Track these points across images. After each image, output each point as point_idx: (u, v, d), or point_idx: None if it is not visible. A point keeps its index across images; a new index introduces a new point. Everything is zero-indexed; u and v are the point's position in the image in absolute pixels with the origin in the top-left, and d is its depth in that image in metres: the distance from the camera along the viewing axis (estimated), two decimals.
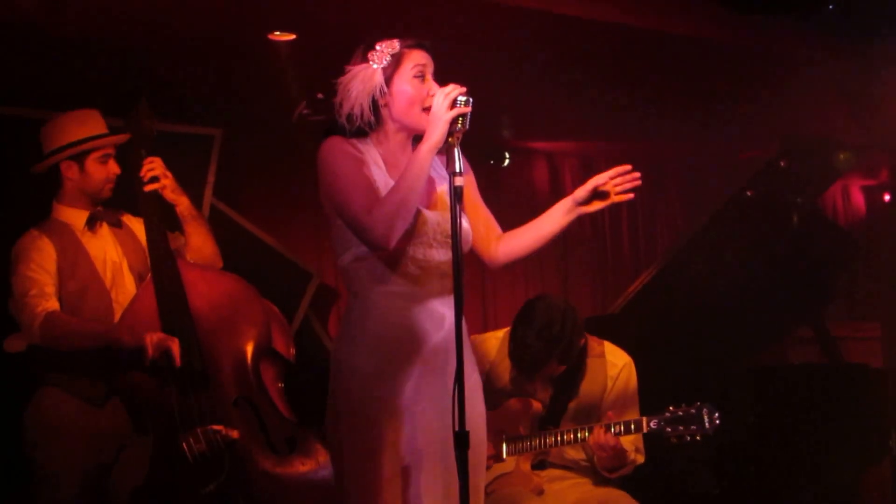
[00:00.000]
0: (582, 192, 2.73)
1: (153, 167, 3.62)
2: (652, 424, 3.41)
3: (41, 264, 3.46)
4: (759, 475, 4.44)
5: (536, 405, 3.62)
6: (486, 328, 5.99)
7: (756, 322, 4.93)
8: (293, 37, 4.46)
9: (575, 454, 3.62)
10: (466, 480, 2.40)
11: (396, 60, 2.62)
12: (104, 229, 3.65)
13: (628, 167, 2.73)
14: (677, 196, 7.59)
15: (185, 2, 4.06)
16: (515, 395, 3.65)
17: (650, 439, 3.56)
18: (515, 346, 3.57)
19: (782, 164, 4.96)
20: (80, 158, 3.58)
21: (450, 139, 2.52)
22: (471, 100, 2.51)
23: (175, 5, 4.07)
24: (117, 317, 3.52)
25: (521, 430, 3.61)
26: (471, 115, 2.52)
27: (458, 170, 2.47)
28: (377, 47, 2.63)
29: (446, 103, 2.51)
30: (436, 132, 2.51)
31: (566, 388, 3.63)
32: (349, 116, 2.63)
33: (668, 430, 3.39)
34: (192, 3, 4.07)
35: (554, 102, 5.63)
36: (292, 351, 3.97)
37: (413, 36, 2.67)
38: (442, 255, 2.61)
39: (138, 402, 3.43)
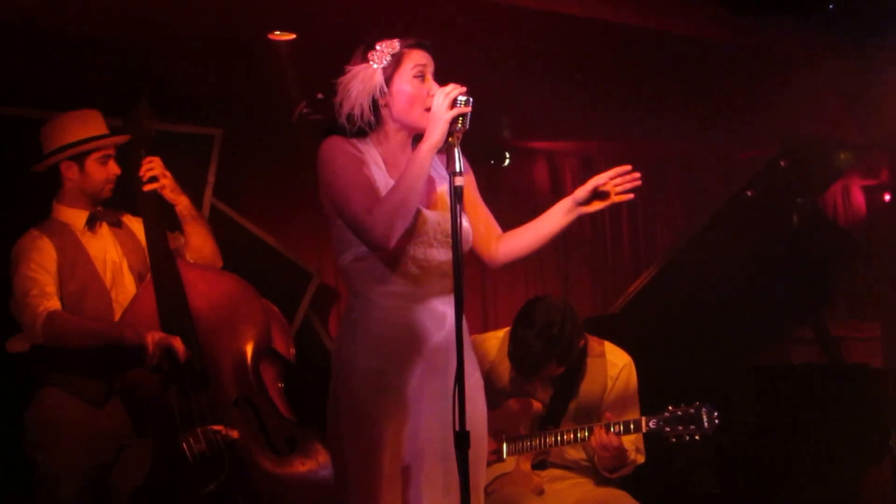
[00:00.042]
0: (582, 192, 2.73)
1: (152, 167, 3.62)
2: (651, 424, 3.41)
3: (41, 264, 3.46)
4: (759, 475, 4.44)
5: (536, 405, 3.62)
6: (486, 328, 5.99)
7: (756, 322, 4.93)
8: (293, 37, 4.46)
9: (575, 454, 3.62)
10: (467, 480, 2.40)
11: (396, 60, 2.62)
12: (104, 229, 3.65)
13: (628, 167, 2.73)
14: (677, 196, 7.59)
15: (184, 2, 4.06)
16: (515, 396, 3.65)
17: (650, 439, 3.56)
18: (515, 346, 3.56)
19: (782, 164, 4.96)
20: (79, 159, 3.58)
21: (450, 139, 2.52)
22: (471, 99, 2.51)
23: (175, 5, 4.07)
24: (117, 317, 3.52)
25: (522, 429, 3.61)
26: (471, 115, 2.52)
27: (458, 170, 2.47)
28: (377, 47, 2.63)
29: (446, 103, 2.51)
30: (436, 132, 2.52)
31: (566, 388, 3.63)
32: (349, 116, 2.63)
33: (668, 429, 3.39)
34: (191, 2, 4.07)
35: (554, 102, 5.63)
36: (292, 351, 3.97)
37: (413, 36, 2.67)
38: (442, 254, 2.61)
39: (138, 402, 3.43)
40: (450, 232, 2.51)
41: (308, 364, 4.24)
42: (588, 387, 3.63)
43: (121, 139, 3.67)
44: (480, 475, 2.73)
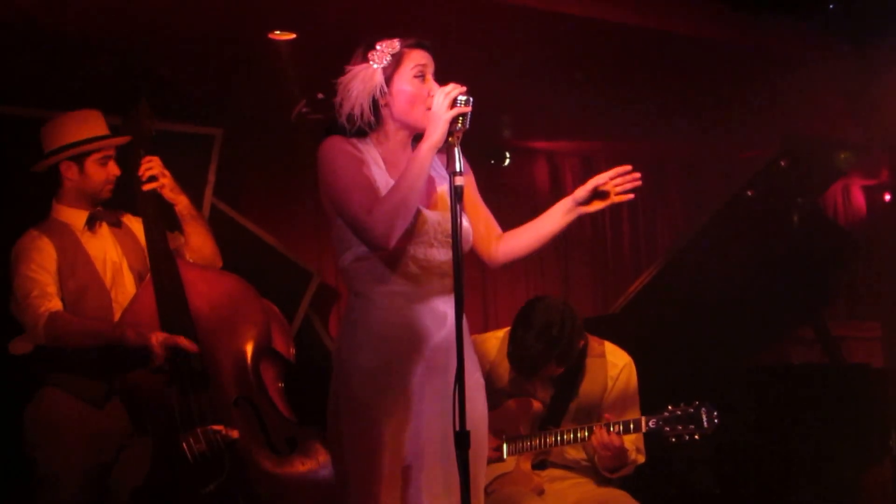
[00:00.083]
0: (582, 191, 2.73)
1: (151, 166, 3.62)
2: (651, 424, 3.41)
3: (41, 264, 3.46)
4: (759, 475, 4.44)
5: (537, 405, 3.62)
6: (486, 328, 5.99)
7: (756, 322, 4.93)
8: (293, 36, 4.46)
9: (576, 454, 3.62)
10: (467, 480, 2.40)
11: (397, 60, 2.62)
12: (104, 229, 3.65)
13: (628, 167, 2.73)
14: (677, 196, 7.59)
15: (184, 2, 4.06)
16: (515, 396, 3.65)
17: (650, 439, 3.56)
18: (514, 347, 3.56)
19: (782, 163, 4.95)
20: (79, 159, 3.57)
21: (450, 139, 2.52)
22: (471, 99, 2.51)
23: (175, 5, 4.07)
24: (117, 317, 3.52)
25: (522, 429, 3.61)
26: (471, 115, 2.52)
27: (458, 169, 2.47)
28: (377, 47, 2.64)
29: (446, 102, 2.51)
30: (436, 131, 2.52)
31: (567, 388, 3.63)
32: (349, 116, 2.63)
33: (667, 429, 3.39)
34: (191, 2, 4.07)
35: (554, 102, 5.63)
36: (292, 351, 3.97)
37: (413, 36, 2.67)
38: (442, 254, 2.61)
39: (138, 403, 3.43)
40: (450, 232, 2.51)
41: (308, 364, 4.24)
42: (588, 387, 3.63)
43: (121, 140, 3.66)
44: (481, 475, 2.73)
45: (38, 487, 3.49)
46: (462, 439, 2.39)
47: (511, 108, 5.73)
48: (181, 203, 3.68)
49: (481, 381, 2.76)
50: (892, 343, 5.72)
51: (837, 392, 4.64)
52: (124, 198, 3.70)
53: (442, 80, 2.61)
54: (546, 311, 3.54)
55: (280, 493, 3.41)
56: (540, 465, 3.63)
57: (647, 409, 3.55)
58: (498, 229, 2.84)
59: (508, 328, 3.66)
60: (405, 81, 2.62)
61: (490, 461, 3.42)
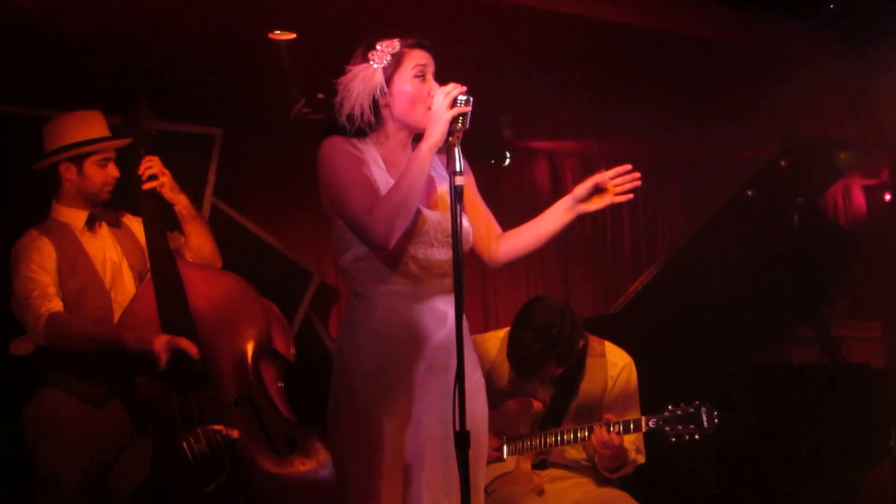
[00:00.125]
0: (582, 189, 2.73)
1: (151, 165, 3.62)
2: (650, 423, 3.41)
3: (41, 264, 3.46)
4: (759, 475, 4.44)
5: (537, 405, 3.62)
6: (486, 328, 5.99)
7: (756, 322, 4.93)
8: (293, 36, 4.46)
9: (576, 454, 3.62)
10: (467, 480, 2.40)
11: (397, 60, 2.62)
12: (103, 229, 3.65)
13: (629, 167, 2.73)
14: (677, 196, 7.59)
15: (184, 2, 4.06)
16: (516, 395, 3.65)
17: (650, 439, 3.56)
18: (514, 347, 3.56)
19: (782, 163, 4.95)
20: (78, 160, 3.58)
21: (450, 138, 2.52)
22: (471, 99, 2.51)
23: (175, 5, 4.07)
24: (117, 316, 3.52)
25: (522, 429, 3.61)
26: (471, 115, 2.52)
27: (458, 169, 2.47)
28: (377, 47, 2.64)
29: (446, 102, 2.51)
30: (436, 131, 2.51)
31: (567, 388, 3.63)
32: (349, 116, 2.63)
33: (667, 429, 3.39)
34: (191, 2, 4.07)
35: (554, 102, 5.62)
36: (292, 351, 3.97)
37: (413, 36, 2.67)
38: (442, 254, 2.61)
39: (138, 403, 3.43)
40: (450, 231, 2.51)
41: (308, 364, 4.24)
42: (588, 387, 3.63)
43: (120, 143, 3.66)
44: (481, 475, 2.73)
45: (38, 487, 3.49)
46: (462, 439, 2.39)
47: (511, 108, 5.73)
48: (181, 203, 3.68)
49: (481, 381, 2.76)
50: (892, 343, 5.72)
51: (837, 392, 4.63)
52: (124, 198, 3.70)
53: (442, 80, 2.61)
54: (546, 311, 3.54)
55: (280, 492, 3.41)
56: (540, 464, 3.63)
57: (647, 409, 3.55)
58: (498, 229, 2.84)
59: (508, 328, 3.66)
60: (405, 81, 2.62)
61: (490, 461, 3.42)
